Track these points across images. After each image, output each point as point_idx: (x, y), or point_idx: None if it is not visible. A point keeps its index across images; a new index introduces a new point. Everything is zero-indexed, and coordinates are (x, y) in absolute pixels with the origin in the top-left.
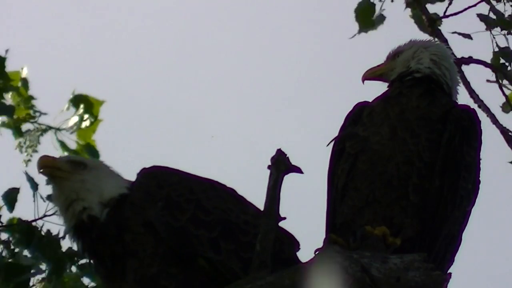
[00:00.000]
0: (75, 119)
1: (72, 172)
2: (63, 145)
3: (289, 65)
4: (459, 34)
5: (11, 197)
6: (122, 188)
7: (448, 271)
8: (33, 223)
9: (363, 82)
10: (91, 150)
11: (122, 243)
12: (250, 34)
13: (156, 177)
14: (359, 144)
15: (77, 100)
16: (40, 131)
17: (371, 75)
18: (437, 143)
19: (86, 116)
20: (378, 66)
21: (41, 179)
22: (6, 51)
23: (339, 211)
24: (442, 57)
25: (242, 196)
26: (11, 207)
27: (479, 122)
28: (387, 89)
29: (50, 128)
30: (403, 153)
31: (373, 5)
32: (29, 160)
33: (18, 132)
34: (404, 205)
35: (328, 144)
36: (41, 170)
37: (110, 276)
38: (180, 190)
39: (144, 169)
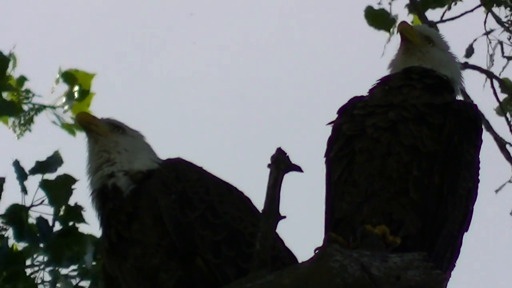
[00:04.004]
0: (67, 95)
1: (109, 132)
2: (61, 123)
3: (288, 62)
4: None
5: None
6: (152, 164)
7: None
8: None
9: (398, 31)
10: None
11: (129, 230)
12: (248, 31)
13: (176, 170)
14: (357, 124)
15: (67, 76)
16: (34, 111)
17: (408, 34)
18: (437, 138)
19: (76, 89)
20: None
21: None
22: (11, 51)
23: (338, 207)
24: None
25: (257, 208)
26: None
27: (480, 117)
28: (381, 80)
29: (44, 107)
30: (403, 142)
31: (383, 10)
32: (21, 134)
33: (16, 113)
34: (403, 202)
35: (328, 124)
36: (79, 123)
37: (112, 252)
38: (196, 188)
39: (168, 159)
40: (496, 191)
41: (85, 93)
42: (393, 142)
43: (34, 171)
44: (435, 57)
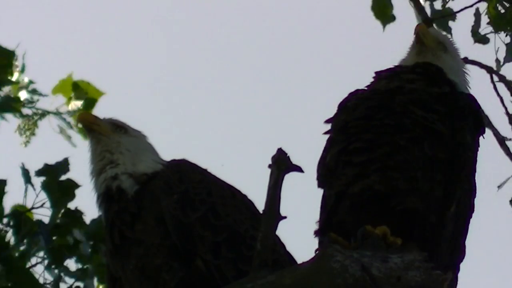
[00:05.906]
0: (75, 103)
1: (111, 132)
2: (63, 128)
3: (288, 62)
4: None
5: None
6: (156, 165)
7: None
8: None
9: (415, 32)
10: None
11: (133, 230)
12: (249, 33)
13: (180, 171)
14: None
15: (79, 85)
16: (38, 115)
17: (424, 36)
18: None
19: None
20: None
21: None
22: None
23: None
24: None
25: (259, 212)
26: None
27: (479, 108)
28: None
29: (48, 112)
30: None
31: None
32: (27, 142)
33: (20, 115)
34: (408, 167)
35: (327, 121)
36: (81, 123)
37: (116, 252)
38: (199, 189)
39: (173, 160)
40: (499, 186)
41: (90, 105)
42: (405, 100)
43: (40, 173)
44: (446, 63)
